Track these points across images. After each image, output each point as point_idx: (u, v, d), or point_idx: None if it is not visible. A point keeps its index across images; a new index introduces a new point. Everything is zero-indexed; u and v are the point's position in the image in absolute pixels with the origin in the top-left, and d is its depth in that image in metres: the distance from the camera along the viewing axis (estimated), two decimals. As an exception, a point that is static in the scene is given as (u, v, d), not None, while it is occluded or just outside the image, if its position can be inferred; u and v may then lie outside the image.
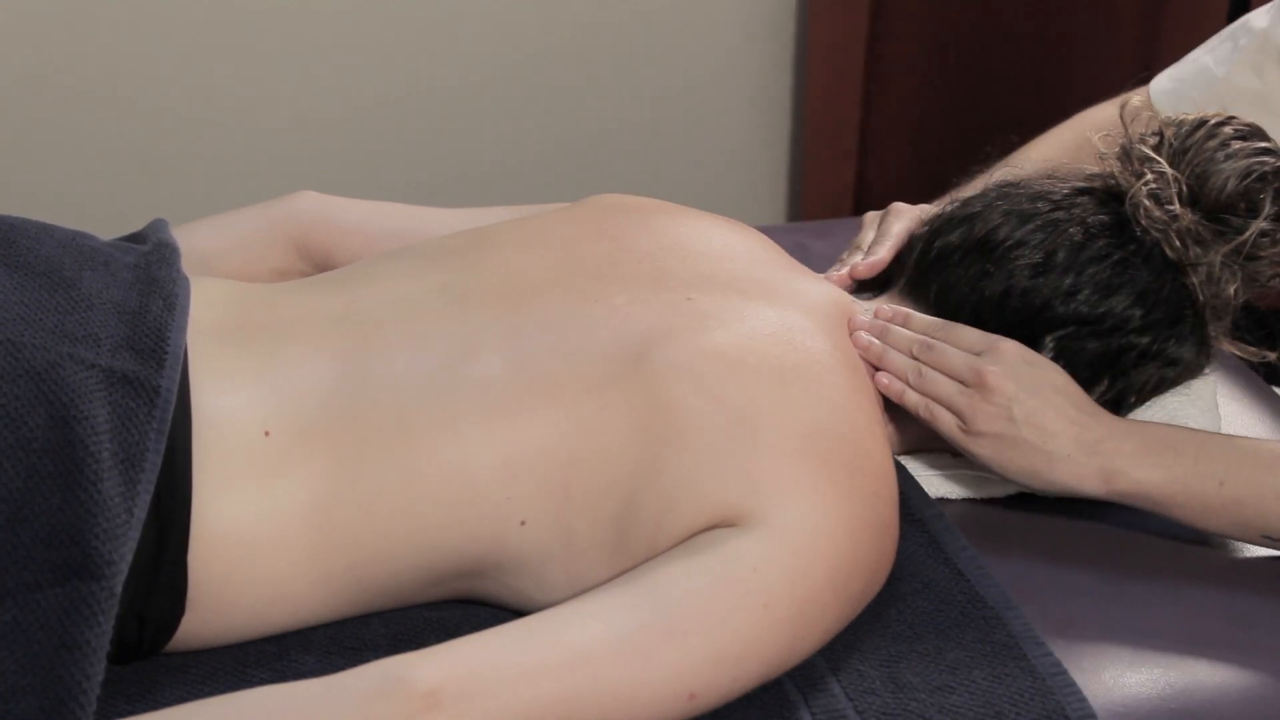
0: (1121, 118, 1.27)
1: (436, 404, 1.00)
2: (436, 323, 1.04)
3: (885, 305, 1.20)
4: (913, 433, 1.22)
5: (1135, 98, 1.35)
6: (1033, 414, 1.11)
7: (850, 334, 1.17)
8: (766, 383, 1.01)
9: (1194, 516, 1.13)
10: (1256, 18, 1.47)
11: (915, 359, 1.16)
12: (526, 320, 1.04)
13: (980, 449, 1.14)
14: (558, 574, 1.00)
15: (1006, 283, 1.18)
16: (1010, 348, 1.14)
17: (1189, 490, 1.12)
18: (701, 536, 0.96)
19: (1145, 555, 1.17)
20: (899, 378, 1.17)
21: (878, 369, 1.18)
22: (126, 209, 2.07)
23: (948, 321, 1.17)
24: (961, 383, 1.14)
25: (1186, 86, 1.47)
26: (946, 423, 1.15)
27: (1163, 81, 1.47)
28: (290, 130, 2.20)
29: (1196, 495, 1.12)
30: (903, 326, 1.18)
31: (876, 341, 1.18)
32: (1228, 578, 1.16)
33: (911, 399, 1.16)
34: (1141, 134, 1.23)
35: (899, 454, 1.25)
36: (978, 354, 1.14)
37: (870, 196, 2.21)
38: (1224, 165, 1.17)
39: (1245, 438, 1.17)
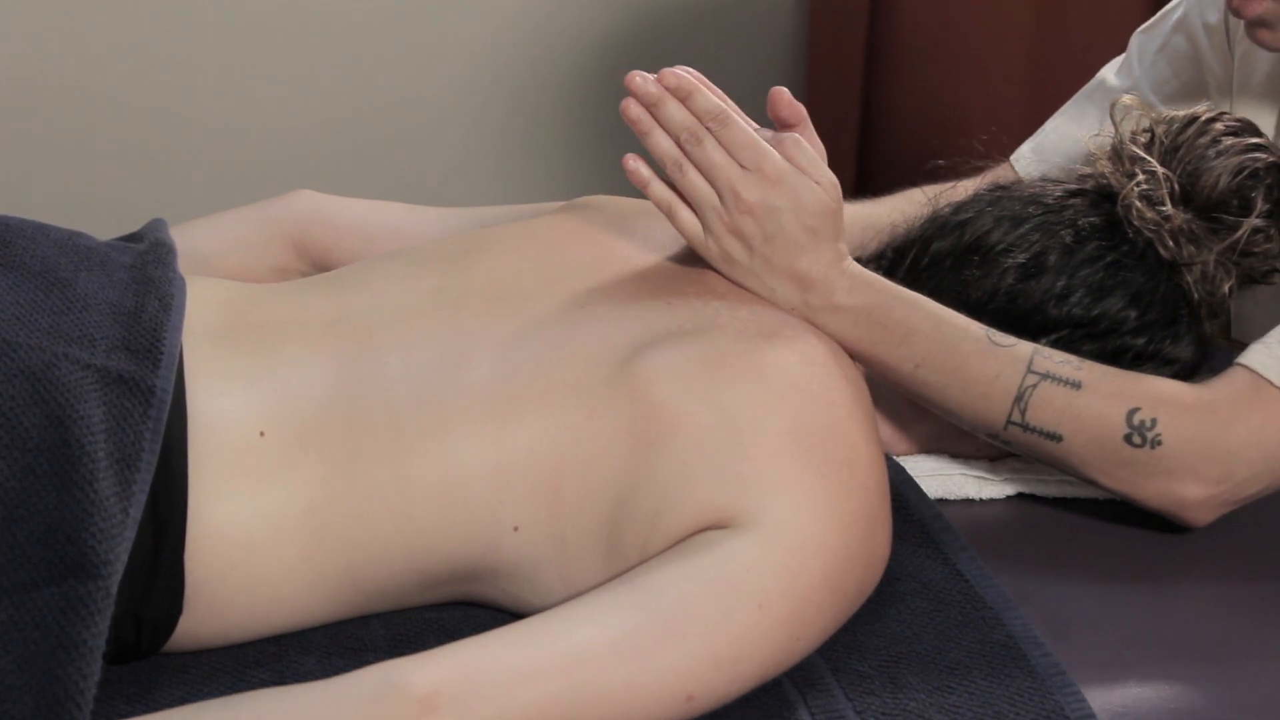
0: (1112, 117, 1.26)
1: (428, 408, 1.00)
2: (429, 326, 1.04)
3: (674, 70, 1.08)
4: (915, 433, 1.22)
5: (999, 170, 1.37)
6: (772, 255, 1.08)
7: (626, 86, 1.07)
8: (748, 381, 1.01)
9: (888, 386, 1.15)
10: (1109, 73, 1.48)
11: (682, 148, 1.07)
12: (517, 325, 1.05)
13: (712, 258, 1.09)
14: (552, 578, 1.00)
15: (996, 285, 1.18)
16: (779, 171, 1.06)
17: (886, 365, 1.12)
18: (695, 539, 0.96)
19: (1145, 555, 1.17)
20: (659, 161, 1.08)
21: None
22: (124, 209, 2.07)
23: (730, 112, 1.07)
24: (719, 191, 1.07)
25: (1048, 152, 1.47)
26: (687, 225, 1.09)
27: (1024, 149, 1.48)
28: (288, 130, 2.20)
29: (891, 371, 1.12)
30: (685, 102, 1.07)
31: (646, 116, 1.08)
32: (1228, 578, 1.16)
33: (656, 193, 1.09)
34: (1133, 133, 1.22)
35: (899, 454, 1.25)
36: (744, 165, 1.06)
37: (871, 195, 2.21)
38: (1215, 163, 1.17)
39: (961, 322, 1.13)
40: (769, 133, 1.09)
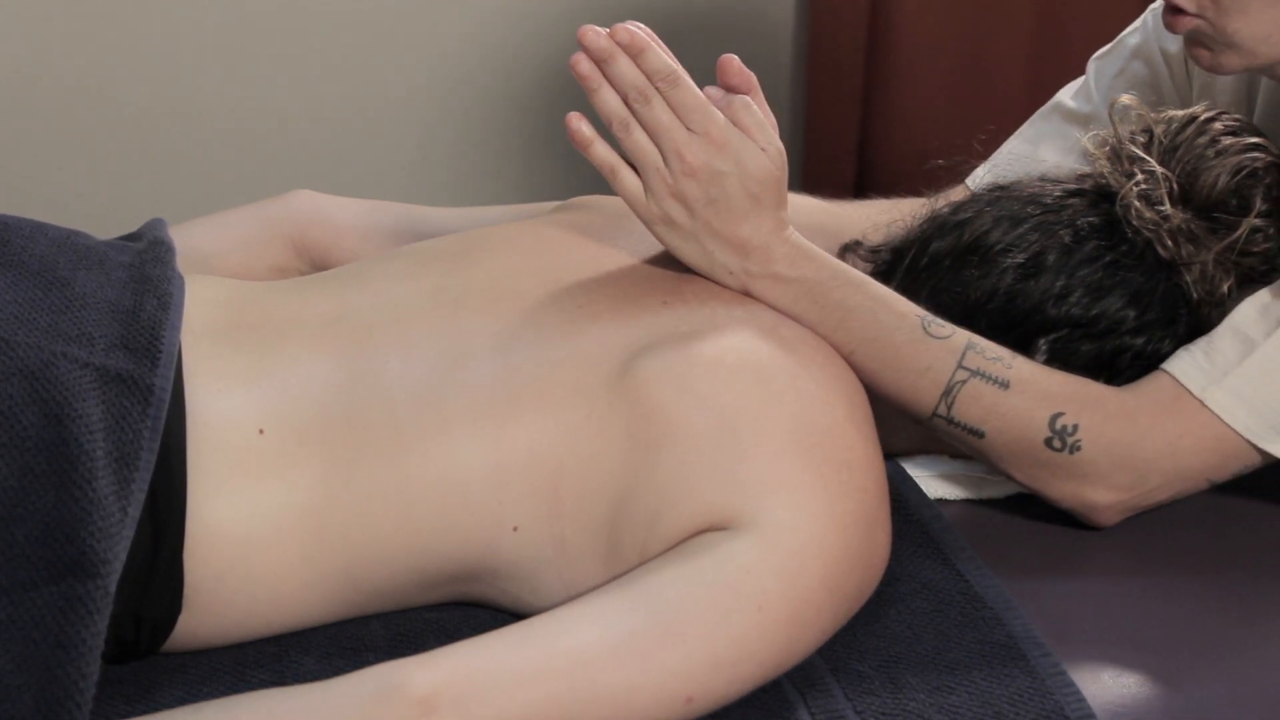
0: (1111, 117, 1.26)
1: (428, 408, 1.00)
2: (428, 326, 1.04)
3: (627, 25, 1.05)
4: (914, 433, 1.22)
5: (954, 191, 1.37)
6: (713, 219, 1.06)
7: (579, 40, 1.04)
8: (745, 382, 1.01)
9: None
10: (1065, 97, 1.48)
11: (630, 107, 1.05)
12: (516, 325, 1.05)
13: (653, 224, 1.08)
14: (552, 580, 1.00)
15: (995, 285, 1.18)
16: (725, 135, 1.05)
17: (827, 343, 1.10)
18: (694, 540, 0.96)
19: (1144, 556, 1.17)
20: (605, 121, 1.06)
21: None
22: (123, 208, 2.07)
23: (680, 73, 1.05)
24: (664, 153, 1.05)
25: (1003, 174, 1.47)
26: (629, 186, 1.07)
27: (979, 171, 1.48)
28: (288, 130, 2.19)
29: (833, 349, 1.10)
30: (635, 59, 1.05)
31: (597, 72, 1.05)
32: (1228, 578, 1.16)
33: (599, 154, 1.07)
34: (1131, 133, 1.22)
35: (899, 454, 1.25)
36: (691, 128, 1.04)
37: (871, 195, 2.21)
38: (1214, 162, 1.17)
39: (900, 308, 1.12)
40: (719, 93, 1.07)
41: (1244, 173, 1.17)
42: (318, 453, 0.99)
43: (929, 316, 1.12)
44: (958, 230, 1.21)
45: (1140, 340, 1.18)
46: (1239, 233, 1.16)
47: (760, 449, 0.98)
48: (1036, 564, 1.16)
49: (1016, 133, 1.50)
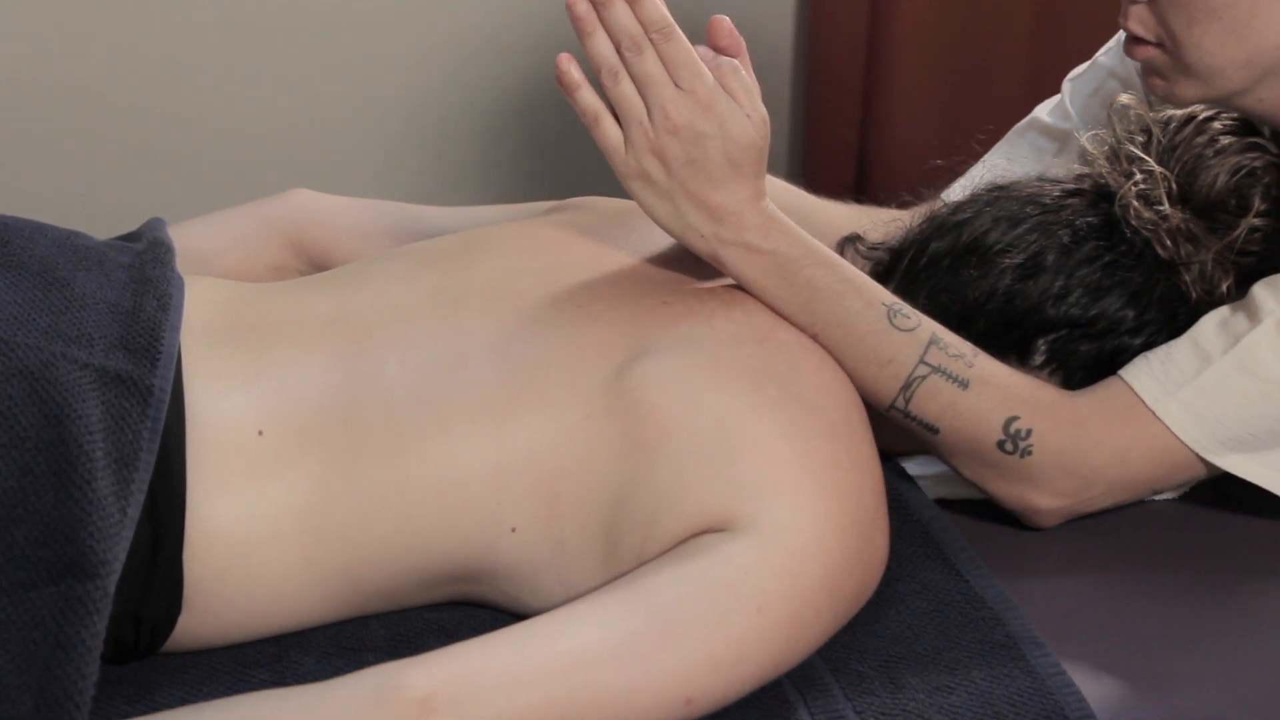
0: (1110, 116, 1.26)
1: (427, 408, 1.00)
2: (427, 326, 1.04)
3: None
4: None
5: (930, 205, 1.37)
6: (689, 180, 1.04)
7: None
8: (741, 385, 1.01)
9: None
10: (1041, 113, 1.48)
11: (622, 55, 1.03)
12: (515, 325, 1.05)
13: (628, 179, 1.06)
14: (551, 581, 1.00)
15: (993, 286, 1.18)
16: (712, 96, 1.03)
17: (790, 321, 1.09)
18: (692, 542, 0.96)
19: (1144, 556, 1.17)
20: (594, 67, 1.04)
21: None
22: (122, 208, 2.07)
23: (675, 27, 1.03)
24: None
25: (978, 183, 1.47)
26: (610, 136, 1.05)
27: (955, 186, 1.48)
28: (286, 130, 2.19)
29: (796, 327, 1.09)
30: (632, 6, 1.03)
31: (593, 15, 1.04)
32: (1227, 578, 1.16)
33: (584, 99, 1.05)
34: (1129, 132, 1.22)
35: (898, 455, 1.25)
36: (679, 84, 1.03)
37: (871, 195, 2.21)
38: (1213, 162, 1.17)
39: (869, 294, 1.11)
40: (709, 54, 1.06)
41: (1243, 172, 1.17)
42: (317, 453, 0.99)
43: (896, 305, 1.11)
44: (956, 230, 1.21)
45: (1139, 340, 1.18)
46: (1238, 232, 1.16)
47: (757, 451, 0.98)
48: (1036, 564, 1.16)
49: (994, 148, 1.50)
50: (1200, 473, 1.15)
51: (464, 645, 0.91)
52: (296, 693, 0.90)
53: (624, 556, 0.98)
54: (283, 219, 1.33)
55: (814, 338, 1.09)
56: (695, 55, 1.03)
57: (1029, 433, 1.11)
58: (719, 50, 1.06)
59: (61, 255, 1.04)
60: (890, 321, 1.10)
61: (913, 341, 1.10)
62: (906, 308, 1.11)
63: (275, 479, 0.98)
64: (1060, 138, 1.43)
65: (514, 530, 1.00)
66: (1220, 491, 1.19)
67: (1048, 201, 1.21)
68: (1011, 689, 0.98)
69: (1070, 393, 1.15)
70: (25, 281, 1.00)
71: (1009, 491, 1.14)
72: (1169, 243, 1.17)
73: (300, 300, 1.08)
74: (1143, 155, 1.19)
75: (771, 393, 1.01)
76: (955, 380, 1.10)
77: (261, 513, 0.97)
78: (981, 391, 1.11)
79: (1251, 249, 1.18)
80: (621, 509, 0.98)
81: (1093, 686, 1.01)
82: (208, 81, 2.15)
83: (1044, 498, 1.14)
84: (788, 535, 0.95)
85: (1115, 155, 1.21)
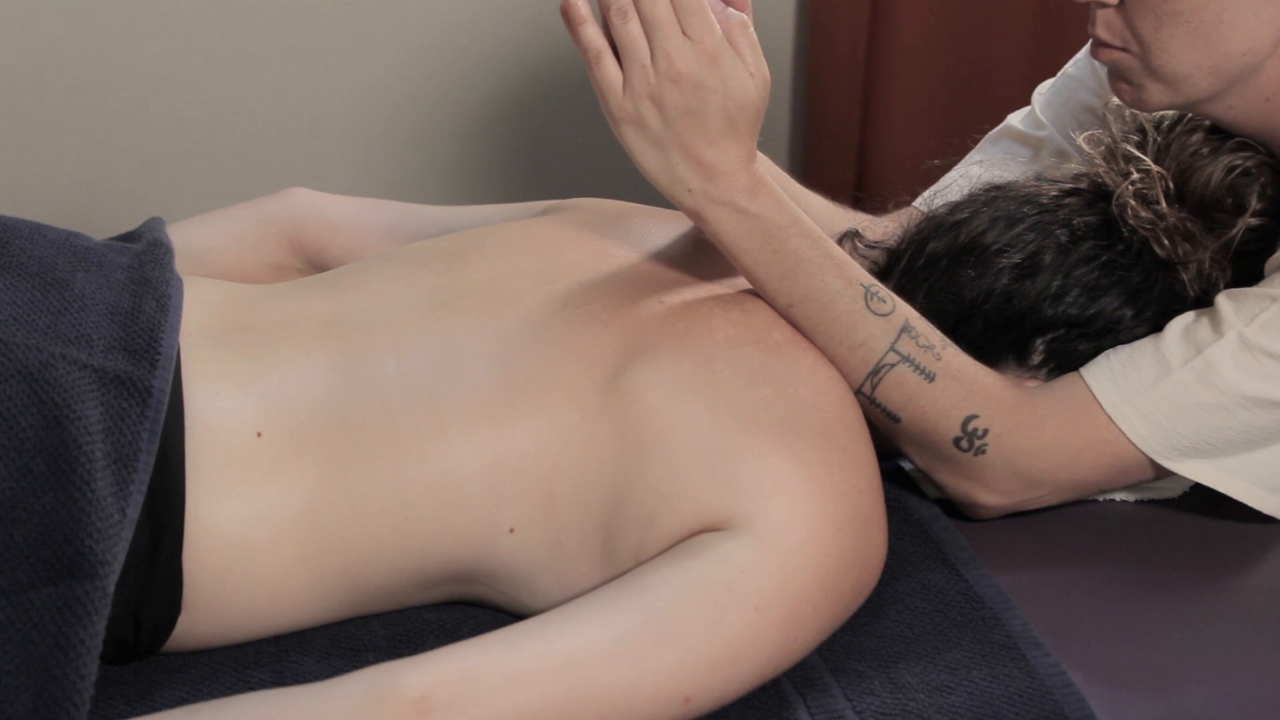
0: (1106, 115, 1.26)
1: (424, 409, 1.00)
2: (425, 327, 1.05)
3: None
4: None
5: (906, 213, 1.37)
6: (684, 133, 1.02)
7: None
8: (737, 385, 1.01)
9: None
10: (1014, 121, 1.48)
11: None
12: (512, 325, 1.05)
13: (621, 123, 1.04)
14: (548, 582, 1.00)
15: (991, 285, 1.18)
16: (719, 49, 1.01)
17: (762, 288, 1.09)
18: (689, 541, 0.96)
19: (1144, 556, 1.17)
20: (602, 5, 1.02)
21: None
22: (122, 208, 2.07)
23: None
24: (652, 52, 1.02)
25: (950, 189, 1.47)
26: (609, 76, 1.02)
27: (927, 193, 1.48)
28: (285, 130, 2.19)
29: (766, 295, 1.09)
30: None
31: None
32: (1228, 579, 1.16)
33: (588, 35, 1.02)
34: (1125, 132, 1.22)
35: (898, 455, 1.25)
36: (686, 32, 1.01)
37: (871, 194, 2.21)
38: (1207, 160, 1.17)
39: (848, 274, 1.10)
40: (719, 5, 1.04)
41: (1237, 171, 1.17)
42: (315, 454, 0.99)
43: (874, 287, 1.10)
44: (954, 230, 1.21)
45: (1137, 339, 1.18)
46: (1235, 231, 1.16)
47: (753, 451, 0.98)
48: (1036, 564, 1.16)
49: (966, 157, 1.50)
50: (1150, 475, 1.16)
51: (461, 645, 0.91)
52: (294, 693, 0.90)
53: (621, 557, 0.98)
54: (281, 217, 1.34)
55: (786, 311, 1.08)
56: (706, 5, 1.02)
57: (985, 432, 1.11)
58: (728, 2, 1.05)
59: (61, 256, 1.04)
60: (866, 304, 1.09)
61: (886, 327, 1.10)
62: (884, 290, 1.10)
63: (274, 480, 0.98)
64: (1034, 144, 1.43)
65: (512, 531, 1.00)
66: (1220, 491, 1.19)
67: (1045, 201, 1.21)
68: (1011, 689, 0.98)
69: (1032, 390, 1.15)
70: (24, 282, 1.00)
71: (956, 485, 1.15)
72: (1166, 242, 1.17)
73: (299, 302, 1.08)
74: (1139, 154, 1.19)
75: (767, 393, 1.01)
76: (922, 372, 1.10)
77: (260, 513, 0.97)
78: (946, 386, 1.11)
79: (1248, 247, 1.18)
80: (619, 509, 0.98)
81: (1093, 686, 1.01)
82: (208, 82, 2.15)
83: (990, 495, 1.14)
84: (784, 534, 0.95)
85: (1112, 154, 1.21)
